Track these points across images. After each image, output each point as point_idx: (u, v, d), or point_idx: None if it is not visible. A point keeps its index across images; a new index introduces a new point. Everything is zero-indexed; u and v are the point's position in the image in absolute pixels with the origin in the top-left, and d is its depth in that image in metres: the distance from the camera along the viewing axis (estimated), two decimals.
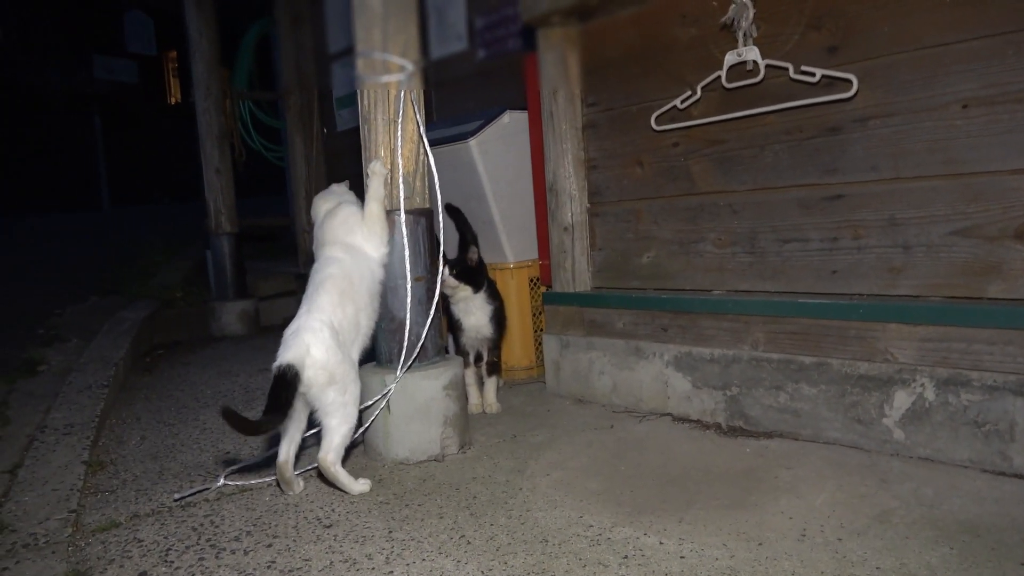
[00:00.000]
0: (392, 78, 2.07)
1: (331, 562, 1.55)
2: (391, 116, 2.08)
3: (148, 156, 19.46)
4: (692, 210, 2.32)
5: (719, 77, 2.14)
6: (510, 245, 3.04)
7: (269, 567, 1.55)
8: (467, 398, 2.36)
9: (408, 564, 1.51)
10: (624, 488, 1.81)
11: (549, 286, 2.89)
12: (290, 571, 1.52)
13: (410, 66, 2.08)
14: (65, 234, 9.81)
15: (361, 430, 2.12)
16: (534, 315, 3.00)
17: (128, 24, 19.23)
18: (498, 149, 2.98)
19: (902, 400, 1.86)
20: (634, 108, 2.43)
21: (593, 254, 2.63)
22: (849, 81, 1.89)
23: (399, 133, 2.08)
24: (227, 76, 4.99)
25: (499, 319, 2.57)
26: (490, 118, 2.99)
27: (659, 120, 2.32)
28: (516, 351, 2.97)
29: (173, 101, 20.12)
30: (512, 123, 3.00)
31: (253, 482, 2.04)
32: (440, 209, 2.17)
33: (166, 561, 1.61)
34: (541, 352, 3.01)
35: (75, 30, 19.35)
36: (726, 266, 2.25)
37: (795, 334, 2.07)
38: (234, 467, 2.09)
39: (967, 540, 1.43)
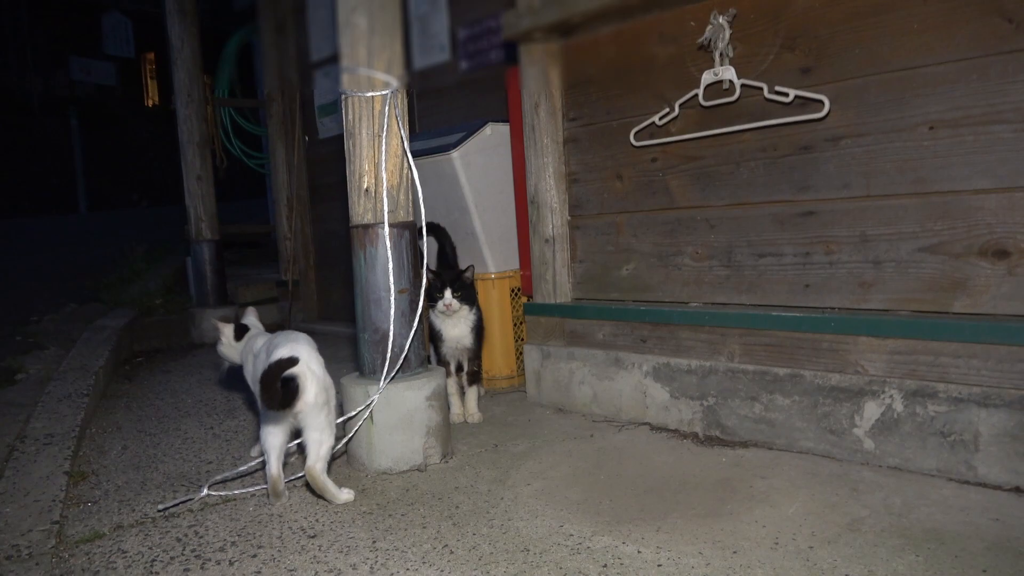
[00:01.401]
0: (377, 93, 2.10)
1: (316, 572, 1.57)
2: (375, 131, 2.11)
3: (126, 159, 19.26)
4: (670, 224, 2.37)
5: (696, 95, 2.20)
6: (492, 256, 3.08)
7: None
8: (449, 408, 2.39)
9: (392, 574, 1.54)
10: (604, 497, 1.85)
11: (530, 297, 2.93)
12: None
13: (395, 82, 2.11)
14: (41, 239, 9.69)
15: (344, 440, 2.14)
16: (515, 325, 3.03)
17: (106, 26, 19.05)
18: (480, 161, 3.02)
19: (872, 411, 1.92)
20: (614, 123, 2.48)
21: (574, 266, 2.67)
22: (821, 102, 1.96)
23: (383, 147, 2.11)
24: (209, 83, 4.99)
25: (479, 330, 2.60)
26: (472, 130, 3.03)
27: (638, 136, 2.37)
28: (497, 360, 3.01)
29: (150, 103, 19.94)
30: (494, 135, 3.04)
31: (236, 492, 2.05)
32: (423, 223, 2.21)
33: (151, 572, 1.62)
34: (522, 361, 3.05)
35: (52, 31, 19.13)
36: (703, 279, 2.31)
37: (770, 346, 2.12)
38: (217, 478, 2.10)
39: (933, 548, 1.49)
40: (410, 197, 2.19)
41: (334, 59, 4.90)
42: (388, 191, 2.12)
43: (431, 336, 2.64)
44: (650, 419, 2.39)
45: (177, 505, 1.99)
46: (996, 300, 1.76)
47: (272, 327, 4.28)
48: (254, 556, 1.67)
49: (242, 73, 5.80)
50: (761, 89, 2.06)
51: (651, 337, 2.41)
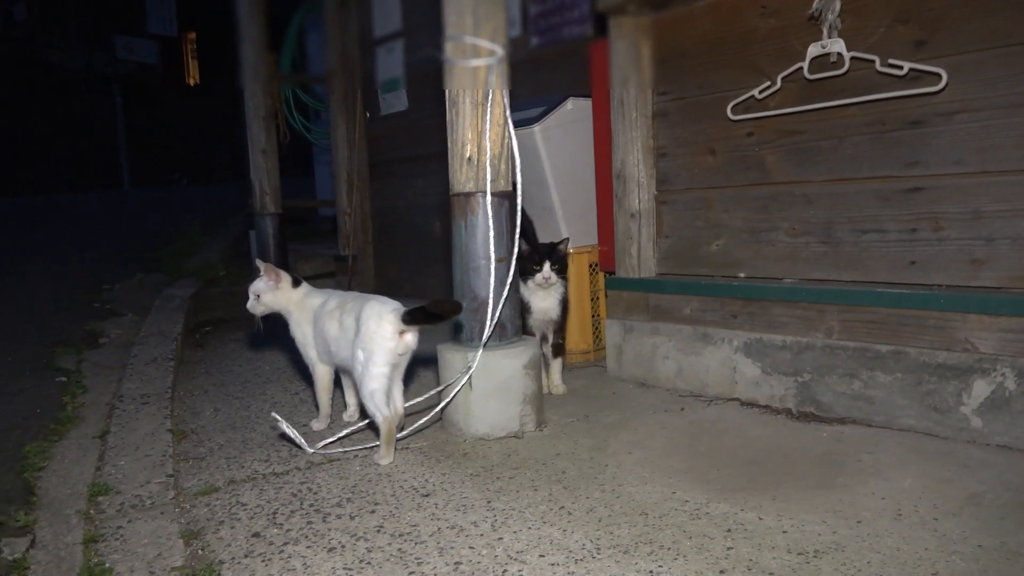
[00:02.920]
0: (481, 62, 2.11)
1: (438, 528, 1.61)
2: (479, 99, 2.13)
3: (167, 137, 19.51)
4: (765, 199, 2.36)
5: (800, 68, 2.18)
6: (568, 231, 3.08)
7: (378, 531, 1.61)
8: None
9: (515, 532, 1.57)
10: (708, 467, 1.87)
11: (608, 272, 2.94)
12: (399, 535, 1.58)
13: (499, 50, 2.12)
14: (91, 213, 9.89)
15: (442, 405, 2.18)
16: (591, 300, 3.05)
17: (150, 4, 19.27)
18: (560, 136, 3.02)
19: (981, 389, 1.90)
20: (708, 98, 2.46)
21: (659, 241, 2.67)
22: (938, 75, 1.93)
23: (487, 116, 2.13)
24: (273, 60, 5.04)
25: (566, 303, 2.62)
26: (553, 105, 3.03)
27: (735, 110, 2.36)
28: (573, 335, 3.02)
29: (192, 82, 20.16)
30: (575, 110, 3.04)
31: (336, 451, 2.10)
32: (520, 191, 2.22)
33: (275, 523, 1.67)
34: (598, 336, 3.06)
35: (97, 10, 19.38)
36: (799, 255, 2.29)
37: (871, 323, 2.11)
38: (328, 440, 2.14)
39: None
40: (510, 167, 2.21)
41: (396, 36, 4.93)
42: (491, 160, 2.14)
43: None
44: (739, 394, 2.40)
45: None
46: None
47: None
48: (372, 512, 1.71)
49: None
50: (872, 62, 2.03)
51: (742, 313, 2.40)
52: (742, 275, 2.44)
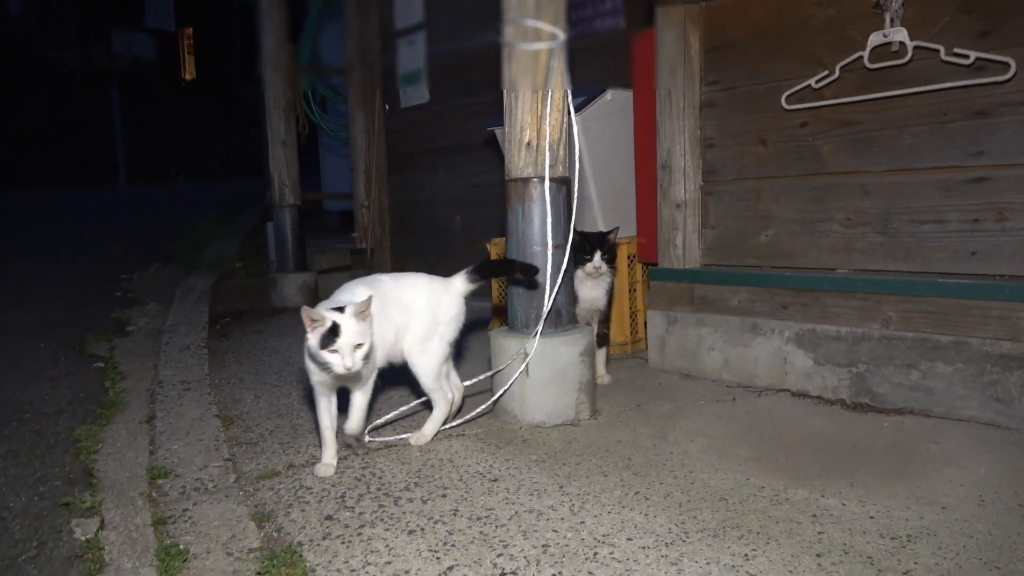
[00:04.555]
0: (543, 46, 2.09)
1: (516, 512, 1.58)
2: (539, 83, 2.11)
3: (164, 133, 19.37)
4: (819, 190, 2.35)
5: (860, 57, 2.17)
6: (605, 222, 3.06)
7: (454, 514, 1.58)
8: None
9: (596, 516, 1.55)
10: (776, 455, 1.85)
11: (647, 263, 2.92)
12: (477, 519, 1.56)
13: (561, 34, 2.10)
14: (98, 209, 9.80)
15: (500, 393, 2.16)
16: (630, 292, 3.03)
17: None
18: (599, 127, 3.00)
19: None
20: (760, 87, 2.45)
21: (705, 231, 2.66)
22: (1007, 64, 1.92)
23: (547, 101, 2.11)
24: (293, 51, 5.00)
25: (611, 292, 2.60)
26: (592, 96, 3.01)
27: (789, 99, 2.35)
28: (612, 327, 3.00)
29: (188, 77, 20.03)
30: (614, 101, 3.02)
31: (391, 438, 2.07)
32: (577, 179, 2.21)
33: (346, 506, 1.64)
34: (636, 328, 3.05)
35: (95, 4, 19.24)
36: (854, 245, 2.28)
37: (931, 313, 2.10)
38: (377, 423, 2.12)
39: None
40: (568, 152, 2.19)
41: (418, 28, 4.90)
42: (550, 145, 2.12)
43: None
44: (789, 385, 2.38)
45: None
46: None
47: None
48: (443, 496, 1.68)
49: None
50: (937, 51, 2.03)
51: (793, 304, 2.39)
52: (794, 265, 2.43)
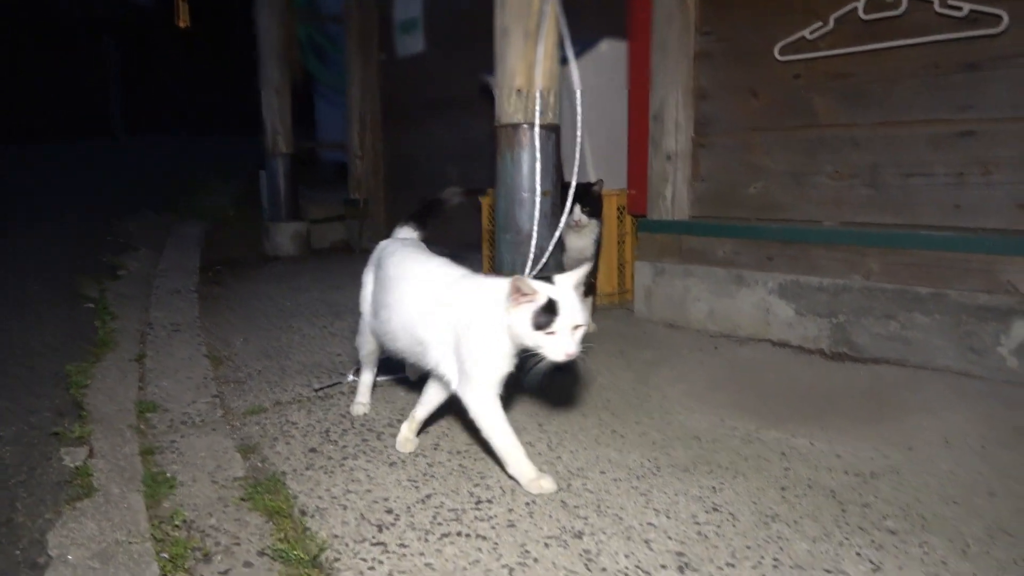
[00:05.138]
0: None
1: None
2: (531, 29, 2.09)
3: (163, 84, 19.07)
4: (810, 143, 2.35)
5: (855, 8, 2.15)
6: (596, 174, 3.06)
7: (435, 448, 1.63)
8: None
9: (572, 451, 1.59)
10: (753, 400, 1.89)
11: (637, 215, 2.93)
12: (457, 452, 1.61)
13: None
14: (95, 160, 9.73)
15: None
16: (619, 243, 3.05)
17: None
18: (592, 78, 2.97)
19: (1020, 330, 1.93)
20: (754, 39, 2.43)
21: (695, 183, 2.67)
22: (999, 16, 1.91)
23: (540, 47, 2.09)
24: None
25: (599, 243, 2.62)
26: (586, 46, 2.98)
27: (783, 50, 2.33)
28: (600, 277, 3.02)
29: (182, 25, 19.63)
30: (609, 51, 3.00)
31: (380, 378, 2.10)
32: (580, 125, 2.20)
33: (330, 440, 1.69)
34: (624, 280, 3.07)
35: None
36: (842, 198, 2.30)
37: (913, 265, 2.13)
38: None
39: None
40: (558, 100, 2.18)
41: None
42: (541, 92, 2.11)
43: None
44: (771, 335, 2.42)
45: (331, 386, 2.05)
46: None
47: (338, 244, 4.29)
48: (425, 432, 1.72)
49: None
50: (931, 2, 2.01)
51: (779, 255, 2.41)
52: (782, 218, 2.45)
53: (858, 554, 1.19)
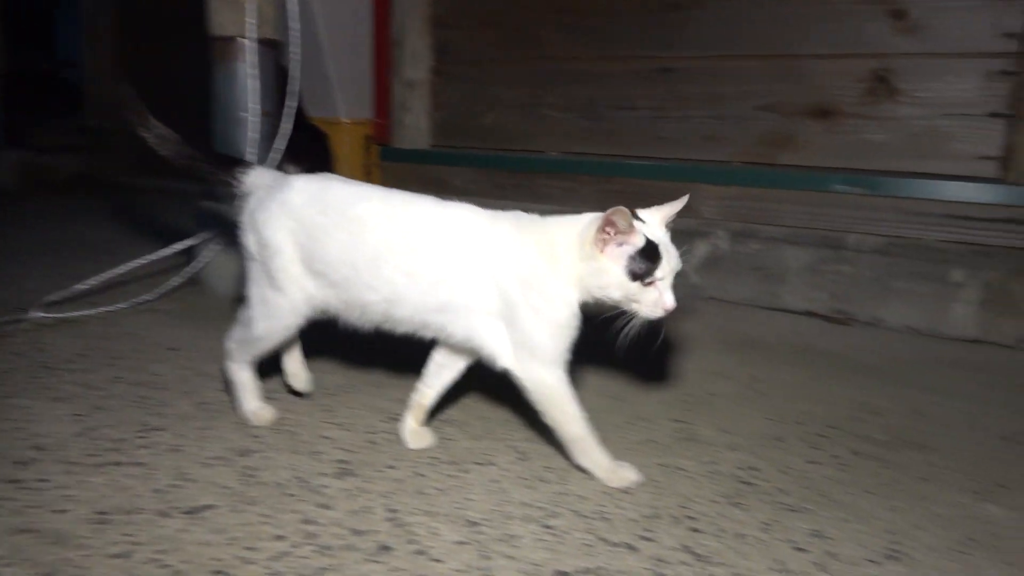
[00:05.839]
0: None
1: (184, 376, 1.54)
2: None
3: None
4: (539, 75, 2.43)
5: None
6: (344, 101, 2.96)
7: (115, 381, 1.51)
8: None
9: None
10: None
11: (386, 144, 2.89)
12: (139, 384, 1.50)
13: None
14: None
15: (193, 267, 2.06)
16: (367, 174, 2.99)
17: None
18: (337, 1, 2.85)
19: (702, 250, 2.17)
20: None
21: (434, 113, 2.67)
22: None
23: None
24: None
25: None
26: None
27: None
28: None
29: None
30: None
31: (74, 314, 1.91)
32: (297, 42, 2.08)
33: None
34: None
35: None
36: (566, 130, 2.41)
37: (620, 192, 2.30)
38: (54, 297, 1.93)
39: (748, 350, 1.77)
40: (278, 13, 2.05)
41: None
42: (259, 3, 1.97)
43: None
44: None
45: (13, 322, 1.82)
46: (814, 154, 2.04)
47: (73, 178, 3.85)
48: (111, 365, 1.59)
49: None
50: None
51: (508, 184, 2.50)
52: (513, 148, 2.53)
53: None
